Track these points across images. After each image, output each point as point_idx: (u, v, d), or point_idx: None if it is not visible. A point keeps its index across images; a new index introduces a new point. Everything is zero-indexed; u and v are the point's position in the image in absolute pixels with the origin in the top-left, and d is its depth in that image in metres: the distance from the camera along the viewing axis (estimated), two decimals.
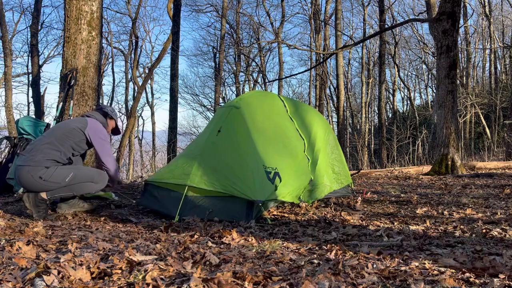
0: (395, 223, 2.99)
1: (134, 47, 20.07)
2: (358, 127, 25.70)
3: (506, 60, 23.73)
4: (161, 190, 3.53)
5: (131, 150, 20.23)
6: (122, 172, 16.38)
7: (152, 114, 24.55)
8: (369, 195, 4.66)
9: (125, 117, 23.38)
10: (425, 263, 1.73)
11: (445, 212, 3.43)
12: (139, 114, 24.77)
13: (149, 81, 23.03)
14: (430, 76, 26.22)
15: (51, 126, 4.76)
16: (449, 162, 7.62)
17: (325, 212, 3.61)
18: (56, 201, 3.43)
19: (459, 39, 11.19)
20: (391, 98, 26.67)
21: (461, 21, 17.84)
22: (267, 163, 3.42)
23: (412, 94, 27.27)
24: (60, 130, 3.20)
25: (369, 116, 26.28)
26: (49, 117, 19.93)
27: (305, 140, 4.00)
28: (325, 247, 2.14)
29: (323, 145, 4.18)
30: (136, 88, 20.82)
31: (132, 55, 20.40)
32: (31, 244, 1.95)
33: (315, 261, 1.79)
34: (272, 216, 3.43)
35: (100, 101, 18.46)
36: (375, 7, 22.15)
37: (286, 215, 3.50)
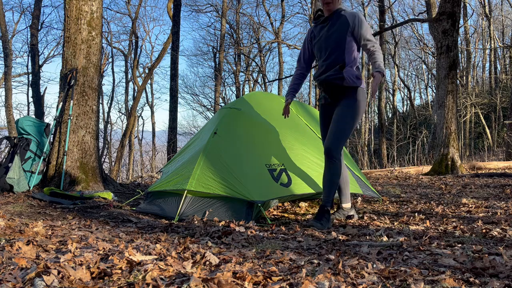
0: (395, 223, 2.99)
1: (134, 47, 20.10)
2: (358, 127, 25.68)
3: (506, 60, 23.74)
4: (162, 194, 3.54)
5: (131, 150, 20.26)
6: (122, 172, 16.39)
7: (152, 114, 24.57)
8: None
9: (125, 117, 23.39)
10: (425, 263, 1.73)
11: (445, 212, 3.43)
12: (139, 114, 24.79)
13: (149, 81, 23.03)
14: (430, 76, 26.25)
15: (51, 127, 4.76)
16: (449, 162, 7.62)
17: None
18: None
19: (459, 39, 11.20)
20: (391, 98, 26.67)
21: (461, 21, 17.83)
22: (272, 161, 3.41)
23: (412, 94, 27.27)
24: None
25: (369, 116, 26.27)
26: (49, 117, 19.95)
27: (317, 134, 3.99)
28: (325, 247, 2.14)
29: None
30: (136, 88, 20.83)
31: (132, 55, 20.42)
32: (31, 244, 1.95)
33: (315, 261, 1.79)
34: (272, 216, 3.43)
35: (100, 101, 18.46)
36: (375, 7, 22.14)
37: (286, 215, 3.50)
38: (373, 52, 2.94)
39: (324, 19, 3.08)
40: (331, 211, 3.10)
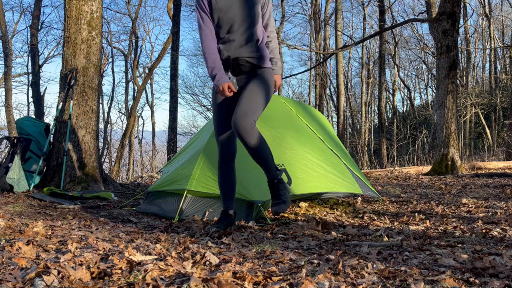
0: (395, 223, 2.99)
1: (134, 47, 20.10)
2: (358, 127, 25.69)
3: (506, 60, 23.74)
4: (162, 194, 3.54)
5: (131, 150, 20.27)
6: (122, 172, 16.38)
7: (152, 114, 24.57)
8: None
9: (125, 117, 23.40)
10: (425, 263, 1.73)
11: (445, 212, 3.43)
12: (139, 114, 24.79)
13: (149, 81, 23.03)
14: (430, 76, 26.22)
15: (51, 127, 4.76)
16: (449, 162, 7.62)
17: (325, 212, 3.61)
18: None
19: (459, 39, 11.20)
20: (391, 98, 26.66)
21: (461, 21, 17.84)
22: None
23: (412, 94, 27.25)
24: None
25: (369, 116, 26.27)
26: (49, 117, 19.95)
27: (317, 134, 3.98)
28: (325, 247, 2.14)
29: (335, 141, 4.19)
30: (136, 88, 20.82)
31: (132, 55, 20.42)
32: (31, 244, 1.95)
33: (315, 261, 1.79)
34: (272, 216, 3.43)
35: (100, 101, 18.48)
36: (375, 7, 22.13)
37: (286, 215, 3.50)
38: (274, 47, 2.55)
39: None
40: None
